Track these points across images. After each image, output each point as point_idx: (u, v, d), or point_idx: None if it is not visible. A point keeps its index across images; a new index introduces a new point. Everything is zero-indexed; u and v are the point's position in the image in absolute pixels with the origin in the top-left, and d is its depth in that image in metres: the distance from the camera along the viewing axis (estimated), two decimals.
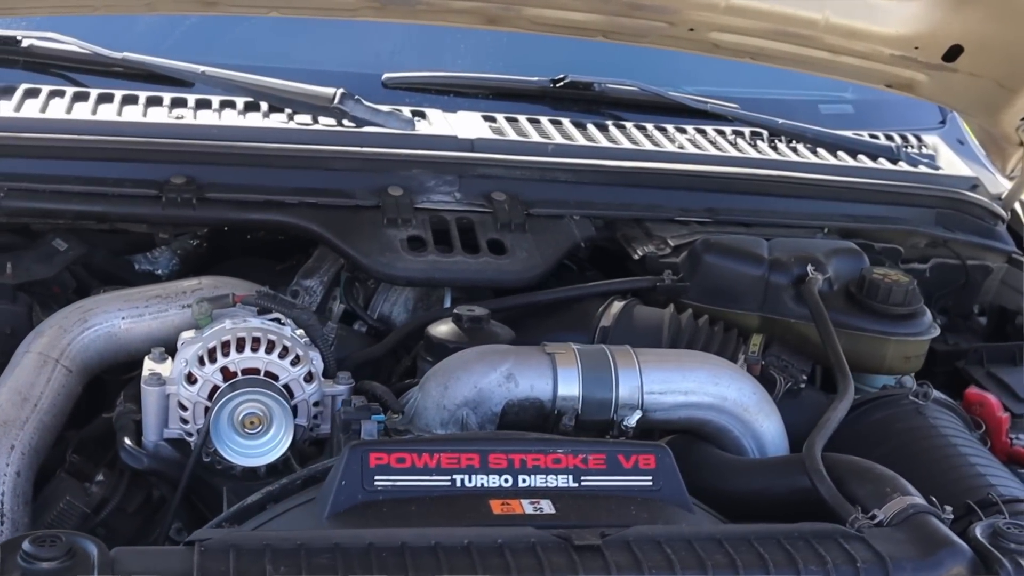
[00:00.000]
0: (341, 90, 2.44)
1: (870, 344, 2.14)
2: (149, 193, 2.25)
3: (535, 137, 2.55)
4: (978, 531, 1.51)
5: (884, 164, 2.75)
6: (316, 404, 1.89)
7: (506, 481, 1.55)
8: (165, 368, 1.90)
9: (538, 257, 2.30)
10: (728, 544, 1.44)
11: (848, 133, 2.85)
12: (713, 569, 1.40)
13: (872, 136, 2.90)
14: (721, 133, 2.76)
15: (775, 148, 2.73)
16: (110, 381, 2.14)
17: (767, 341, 2.17)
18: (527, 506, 1.51)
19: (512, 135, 2.54)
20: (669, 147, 2.61)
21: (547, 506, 1.52)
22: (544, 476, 1.55)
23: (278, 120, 2.48)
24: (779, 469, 1.80)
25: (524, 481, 1.55)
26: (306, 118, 2.49)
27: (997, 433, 2.07)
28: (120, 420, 1.93)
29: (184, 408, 1.86)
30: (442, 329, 2.05)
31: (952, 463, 1.84)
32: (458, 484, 1.53)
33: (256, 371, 1.85)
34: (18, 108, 2.39)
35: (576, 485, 1.56)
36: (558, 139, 2.56)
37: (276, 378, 1.86)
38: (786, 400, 2.05)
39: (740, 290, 2.20)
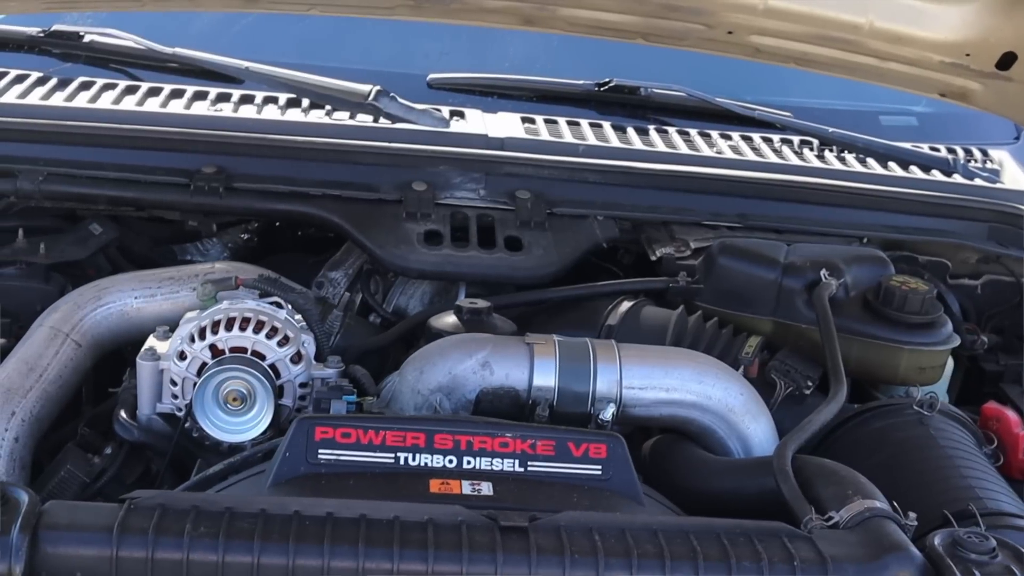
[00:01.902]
0: (377, 87, 2.48)
1: (883, 353, 2.08)
2: (179, 181, 2.33)
3: (569, 138, 2.54)
4: (937, 540, 1.45)
5: (936, 176, 2.66)
6: (303, 385, 1.91)
7: (450, 462, 1.54)
8: (165, 346, 1.95)
9: (554, 255, 2.29)
10: (662, 535, 1.41)
11: (906, 145, 2.76)
12: (638, 558, 1.37)
13: (933, 149, 2.80)
14: (768, 141, 2.70)
15: (822, 157, 2.66)
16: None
17: (777, 346, 2.12)
18: (466, 487, 1.51)
19: (545, 136, 2.54)
20: (705, 152, 2.57)
21: (486, 488, 1.51)
22: (490, 459, 1.55)
23: (316, 116, 2.52)
24: (750, 470, 1.76)
25: (469, 463, 1.54)
26: (345, 114, 2.53)
27: (1013, 450, 1.97)
28: (122, 394, 1.99)
29: (175, 384, 1.90)
30: (443, 321, 2.06)
31: (942, 474, 1.77)
32: (401, 462, 1.54)
33: (243, 350, 1.88)
34: (70, 99, 2.49)
35: (522, 470, 1.55)
36: (592, 141, 2.54)
37: (263, 357, 1.88)
38: (788, 405, 2.00)
39: (753, 294, 2.16)
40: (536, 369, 1.81)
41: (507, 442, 1.55)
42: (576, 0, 2.36)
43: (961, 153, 2.83)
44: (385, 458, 1.53)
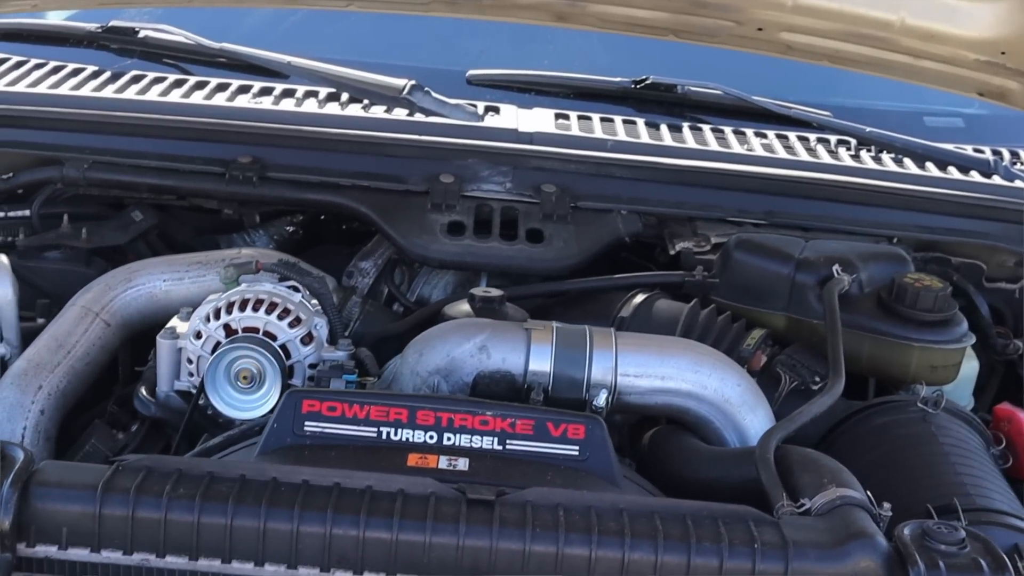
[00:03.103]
0: (411, 81, 2.53)
1: (895, 350, 2.06)
2: (216, 170, 2.41)
3: (599, 134, 2.57)
4: (906, 530, 1.45)
5: (974, 177, 2.62)
6: (313, 366, 1.97)
7: (431, 438, 1.58)
8: (185, 326, 2.02)
9: (574, 248, 2.32)
10: (626, 514, 1.43)
11: (948, 146, 2.73)
12: (599, 534, 1.40)
13: (977, 151, 2.77)
14: (803, 140, 2.70)
15: (857, 157, 2.64)
16: None
17: (790, 341, 2.12)
18: (443, 462, 1.55)
19: (576, 131, 2.57)
20: (736, 149, 2.57)
21: (462, 464, 1.55)
22: (469, 436, 1.59)
23: (352, 110, 2.59)
24: (737, 459, 1.77)
25: (449, 439, 1.58)
26: (382, 108, 2.59)
27: None
28: (146, 373, 2.08)
29: (190, 362, 1.98)
30: (457, 309, 2.10)
31: (935, 470, 1.76)
32: (383, 436, 1.58)
33: (256, 330, 1.95)
34: (119, 91, 2.59)
35: (500, 448, 1.58)
36: (622, 137, 2.56)
37: (274, 338, 1.95)
38: (794, 400, 1.99)
39: (767, 289, 2.16)
40: (532, 354, 1.84)
41: (487, 420, 1.59)
42: None
43: (1007, 155, 2.78)
44: (368, 432, 1.58)
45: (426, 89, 2.55)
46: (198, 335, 1.97)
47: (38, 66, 2.70)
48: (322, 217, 2.66)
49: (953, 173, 2.63)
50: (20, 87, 2.56)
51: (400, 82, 2.54)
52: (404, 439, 1.58)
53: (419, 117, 2.55)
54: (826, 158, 2.59)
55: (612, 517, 1.43)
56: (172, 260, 2.27)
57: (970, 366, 2.25)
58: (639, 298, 2.18)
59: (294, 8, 2.71)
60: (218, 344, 1.95)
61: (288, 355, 1.95)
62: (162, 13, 2.91)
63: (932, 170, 2.62)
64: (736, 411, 1.86)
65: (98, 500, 1.41)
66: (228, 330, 1.96)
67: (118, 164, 2.42)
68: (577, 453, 1.58)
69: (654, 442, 1.91)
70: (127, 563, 1.40)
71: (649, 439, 1.93)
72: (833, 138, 2.72)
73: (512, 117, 2.61)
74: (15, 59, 2.73)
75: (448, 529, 1.40)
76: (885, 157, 2.66)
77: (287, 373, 1.93)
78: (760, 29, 2.39)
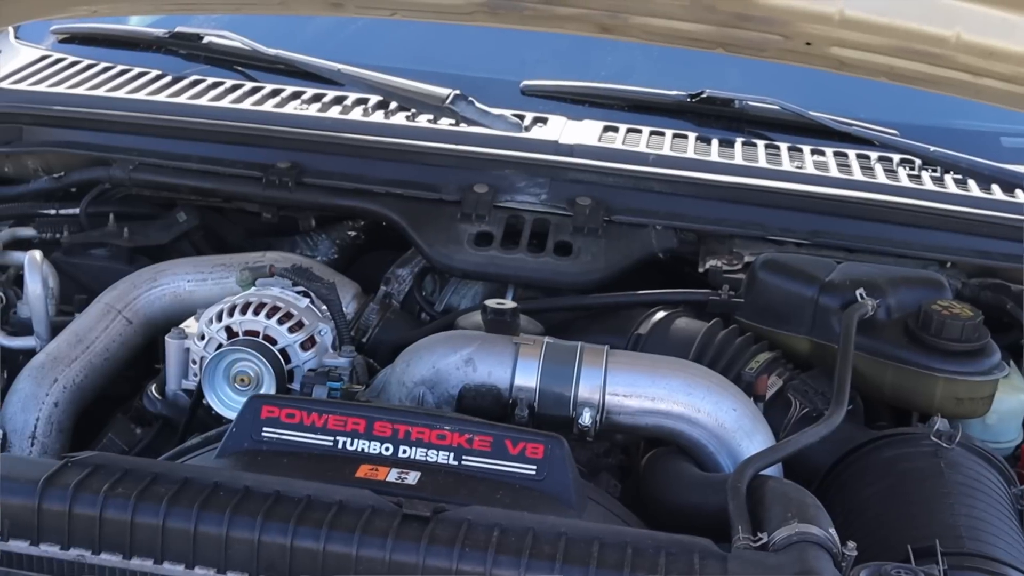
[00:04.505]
0: (455, 91, 2.51)
1: (918, 380, 1.95)
2: (254, 174, 2.44)
3: (643, 148, 2.50)
4: (863, 573, 1.36)
5: None
6: (313, 371, 1.96)
7: (386, 450, 1.56)
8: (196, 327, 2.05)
9: (602, 262, 2.27)
10: (565, 539, 1.38)
11: (1022, 168, 2.58)
12: (529, 558, 1.36)
13: None
14: (863, 158, 2.58)
15: (917, 177, 2.51)
16: None
17: (811, 365, 2.03)
18: (393, 474, 1.52)
19: (619, 144, 2.51)
20: (785, 166, 2.47)
21: (412, 477, 1.52)
22: (425, 450, 1.56)
23: (399, 118, 2.58)
24: (715, 486, 1.69)
25: (404, 452, 1.56)
26: (428, 117, 2.58)
27: None
28: (162, 371, 2.11)
29: (195, 362, 2.00)
30: (469, 320, 2.08)
31: (930, 507, 1.65)
32: (339, 446, 1.57)
33: (256, 333, 1.96)
34: (176, 95, 2.65)
35: (456, 463, 1.55)
36: (666, 151, 2.49)
37: (274, 342, 1.95)
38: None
39: (790, 311, 2.07)
40: (518, 369, 1.80)
41: (444, 434, 1.56)
42: (647, 8, 2.33)
43: None
44: (324, 441, 1.57)
45: (470, 99, 2.53)
46: (202, 336, 1.99)
47: (105, 69, 2.78)
48: (383, 223, 2.66)
49: (1020, 196, 2.47)
50: (80, 90, 2.64)
51: (443, 91, 2.53)
52: (359, 450, 1.56)
53: (462, 127, 2.53)
54: (881, 177, 2.47)
55: (548, 540, 1.38)
56: (197, 261, 2.31)
57: (1018, 399, 2.12)
58: (659, 315, 2.11)
59: (334, 16, 2.72)
60: (220, 346, 1.96)
61: (288, 359, 1.96)
62: (228, 20, 2.96)
63: (996, 192, 2.47)
64: (731, 436, 1.78)
65: (38, 494, 1.42)
66: (230, 332, 1.97)
67: (162, 166, 2.47)
68: (534, 473, 1.54)
69: (648, 464, 1.85)
70: (64, 558, 1.42)
71: (645, 461, 1.87)
72: (896, 157, 2.59)
73: (557, 128, 2.56)
74: (86, 62, 2.82)
75: (376, 543, 1.37)
76: (947, 178, 2.52)
77: (286, 377, 1.94)
78: (809, 43, 2.29)
